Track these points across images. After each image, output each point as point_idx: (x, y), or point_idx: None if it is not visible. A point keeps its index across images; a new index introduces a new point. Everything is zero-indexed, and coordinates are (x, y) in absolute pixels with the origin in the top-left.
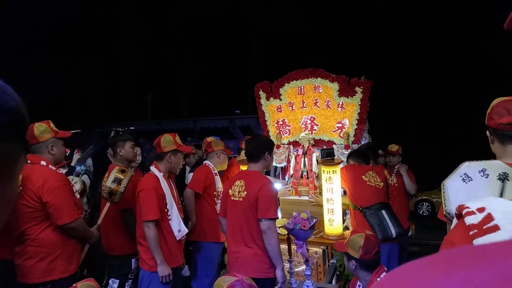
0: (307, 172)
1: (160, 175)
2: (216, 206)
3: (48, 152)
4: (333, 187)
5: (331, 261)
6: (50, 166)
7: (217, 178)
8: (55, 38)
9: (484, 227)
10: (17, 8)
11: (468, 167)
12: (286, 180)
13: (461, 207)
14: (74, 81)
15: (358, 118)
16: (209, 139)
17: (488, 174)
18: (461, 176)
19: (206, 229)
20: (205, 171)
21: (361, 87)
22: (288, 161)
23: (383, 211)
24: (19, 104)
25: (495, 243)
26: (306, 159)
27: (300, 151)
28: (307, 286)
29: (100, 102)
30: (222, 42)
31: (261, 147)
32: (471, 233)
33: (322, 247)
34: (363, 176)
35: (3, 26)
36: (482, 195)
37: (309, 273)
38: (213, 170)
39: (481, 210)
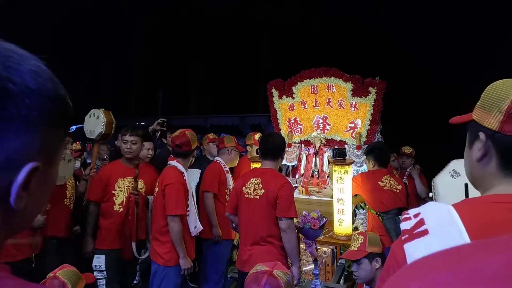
0: (318, 171)
1: (184, 170)
2: (227, 203)
3: None
4: (344, 187)
5: (339, 261)
6: None
7: (229, 176)
8: (65, 34)
9: (414, 232)
10: (29, 5)
11: (457, 163)
12: (296, 178)
13: (403, 214)
14: (85, 76)
15: (371, 118)
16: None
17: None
18: (450, 172)
19: (220, 226)
20: (217, 169)
21: (375, 88)
22: (299, 160)
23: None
24: (65, 92)
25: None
26: (317, 158)
27: (312, 151)
28: (315, 285)
29: (110, 97)
30: (232, 39)
31: (281, 145)
32: (403, 238)
33: (331, 247)
34: (379, 182)
35: (15, 23)
36: (455, 193)
37: (317, 272)
38: (224, 167)
39: (416, 215)
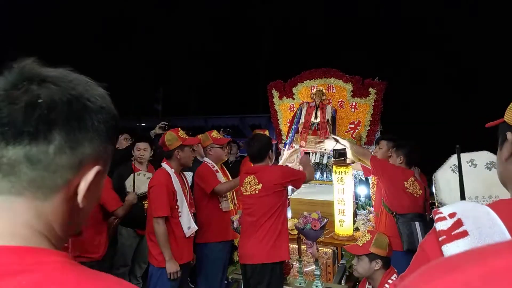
0: (318, 124)
1: (171, 171)
2: (220, 205)
3: None
4: (344, 187)
5: (340, 262)
6: None
7: (219, 175)
8: (65, 34)
9: (452, 233)
10: (27, 4)
11: (457, 158)
12: (289, 139)
13: (434, 212)
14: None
15: (371, 119)
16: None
17: (476, 164)
18: (451, 167)
19: (211, 228)
20: (205, 170)
21: (375, 88)
22: (293, 117)
23: (417, 223)
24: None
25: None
26: (318, 112)
27: (312, 104)
28: (317, 286)
29: (110, 98)
30: (233, 40)
31: (264, 147)
32: (440, 239)
33: (332, 247)
34: (405, 183)
35: (14, 22)
36: (471, 183)
37: (318, 273)
38: (212, 167)
39: (452, 215)
